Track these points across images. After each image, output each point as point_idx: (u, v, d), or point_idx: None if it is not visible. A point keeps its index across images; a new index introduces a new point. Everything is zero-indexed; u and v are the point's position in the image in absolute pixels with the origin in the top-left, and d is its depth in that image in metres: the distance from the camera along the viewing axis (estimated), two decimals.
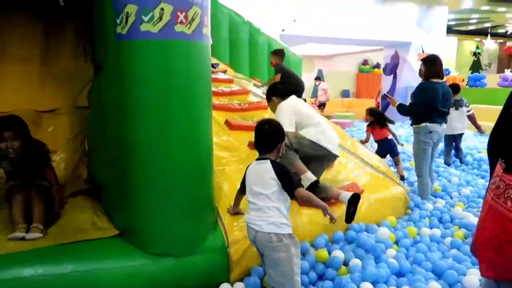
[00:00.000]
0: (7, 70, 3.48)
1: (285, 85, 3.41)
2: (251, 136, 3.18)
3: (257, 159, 1.85)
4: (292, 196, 1.80)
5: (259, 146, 1.87)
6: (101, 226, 2.13)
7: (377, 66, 16.56)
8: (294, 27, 9.92)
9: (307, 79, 10.28)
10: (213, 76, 2.83)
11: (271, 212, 1.71)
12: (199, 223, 1.98)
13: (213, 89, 2.32)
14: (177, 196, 1.88)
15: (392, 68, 12.05)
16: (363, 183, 3.10)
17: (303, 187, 1.88)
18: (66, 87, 3.58)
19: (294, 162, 2.59)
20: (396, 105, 3.68)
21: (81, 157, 3.30)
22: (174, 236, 1.92)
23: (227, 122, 3.24)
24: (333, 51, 15.35)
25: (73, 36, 4.00)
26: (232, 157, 2.86)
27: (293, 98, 2.88)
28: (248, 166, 1.88)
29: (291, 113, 2.72)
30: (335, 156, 2.83)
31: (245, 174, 1.89)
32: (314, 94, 13.52)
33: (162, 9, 1.70)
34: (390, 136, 4.70)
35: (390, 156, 4.64)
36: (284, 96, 2.84)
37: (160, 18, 1.70)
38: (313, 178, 2.54)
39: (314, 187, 2.48)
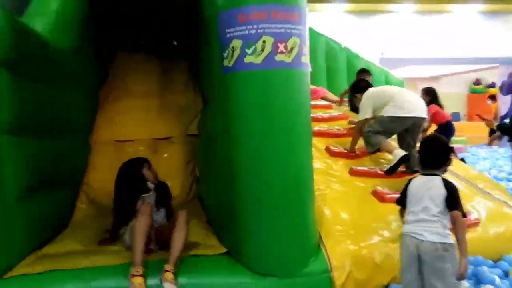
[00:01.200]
0: (130, 104, 3.99)
1: (363, 81, 3.71)
2: (351, 162, 3.21)
3: (424, 174, 1.87)
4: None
5: (426, 162, 1.90)
6: (210, 244, 2.29)
7: (492, 85, 15.04)
8: (395, 50, 9.64)
9: None
10: (313, 102, 2.94)
11: (436, 224, 1.74)
12: (301, 246, 2.03)
13: (312, 115, 2.39)
14: (280, 219, 1.96)
15: (510, 87, 10.84)
16: (481, 213, 2.84)
17: (464, 215, 1.84)
18: (179, 118, 3.97)
19: (381, 144, 3.02)
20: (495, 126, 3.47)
21: (192, 182, 3.58)
22: (277, 257, 1.99)
23: (327, 149, 3.28)
24: (438, 72, 14.44)
25: (184, 73, 4.48)
26: (332, 183, 2.86)
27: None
28: (410, 180, 1.91)
29: (370, 101, 3.18)
30: (422, 118, 3.16)
31: (406, 189, 1.90)
32: None
33: (264, 41, 1.84)
34: None
35: None
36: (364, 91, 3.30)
37: (262, 50, 1.85)
38: (402, 153, 2.92)
39: (406, 160, 2.90)
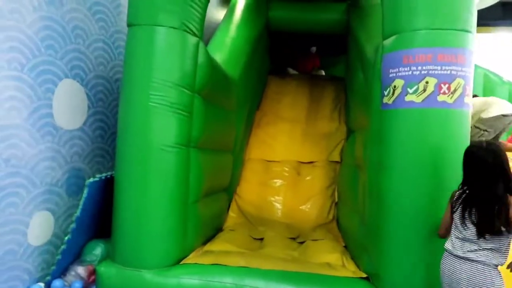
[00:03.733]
0: (280, 128, 4.38)
1: None
2: None
3: None
4: None
5: None
6: (349, 267, 2.40)
7: None
8: None
9: None
10: None
11: None
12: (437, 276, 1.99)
13: None
14: (423, 249, 1.98)
15: None
16: None
17: None
18: (323, 144, 4.20)
19: None
20: None
21: (331, 205, 3.74)
22: (415, 286, 2.00)
23: None
24: None
25: (331, 101, 4.71)
26: None
27: None
28: None
29: None
30: None
31: None
32: None
33: (427, 82, 1.93)
34: None
35: None
36: None
37: (424, 90, 1.93)
38: None
39: None
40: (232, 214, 3.68)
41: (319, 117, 4.52)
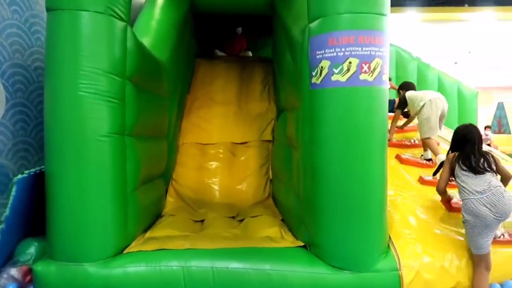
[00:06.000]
0: (213, 111, 4.42)
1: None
2: (420, 171, 3.35)
3: None
4: None
5: None
6: (288, 238, 2.57)
7: None
8: (470, 59, 9.30)
9: (484, 114, 9.35)
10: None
11: None
12: (373, 243, 2.24)
13: None
14: (355, 218, 2.19)
15: None
16: None
17: None
18: (255, 125, 4.32)
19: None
20: None
21: (266, 182, 3.91)
22: (351, 252, 2.21)
23: (397, 157, 3.45)
24: None
25: (260, 82, 4.83)
26: (401, 191, 3.02)
27: None
28: None
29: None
30: None
31: None
32: None
33: (350, 62, 2.09)
34: None
35: None
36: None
37: (348, 70, 2.10)
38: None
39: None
40: (170, 199, 3.68)
41: (249, 98, 4.63)
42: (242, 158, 4.11)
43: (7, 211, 2.23)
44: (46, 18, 2.25)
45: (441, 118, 3.57)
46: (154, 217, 3.14)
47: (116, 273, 2.19)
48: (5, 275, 2.33)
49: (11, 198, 2.23)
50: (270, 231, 2.74)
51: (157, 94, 3.14)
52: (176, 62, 3.81)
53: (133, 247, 2.41)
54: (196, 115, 4.35)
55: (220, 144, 4.17)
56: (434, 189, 2.93)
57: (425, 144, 3.53)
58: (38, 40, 2.93)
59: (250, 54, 6.07)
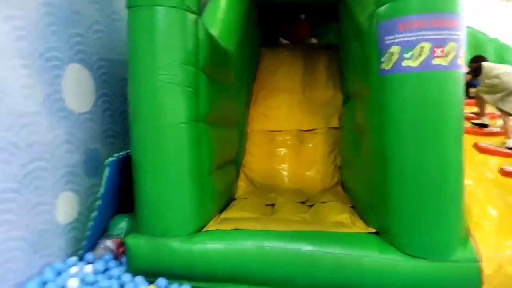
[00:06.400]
0: (279, 99, 4.51)
1: None
2: (499, 161, 3.17)
3: None
4: None
5: None
6: (358, 225, 2.61)
7: None
8: None
9: None
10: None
11: None
12: (449, 232, 2.20)
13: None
14: (430, 205, 2.17)
15: None
16: None
17: None
18: (321, 112, 4.35)
19: None
20: None
21: (334, 169, 3.95)
22: (425, 241, 2.20)
23: (475, 145, 3.30)
24: None
25: (325, 70, 4.82)
26: (480, 181, 2.90)
27: None
28: None
29: None
30: None
31: None
32: None
33: (422, 47, 2.07)
34: None
35: None
36: None
37: (420, 55, 2.07)
38: None
39: None
40: (242, 184, 3.87)
41: (314, 86, 4.65)
42: (310, 145, 4.18)
43: (101, 190, 2.52)
44: (126, 15, 2.45)
45: None
46: (227, 200, 3.33)
47: (197, 248, 2.38)
48: (101, 246, 2.65)
49: (104, 178, 2.51)
50: (340, 217, 2.78)
51: (226, 84, 3.30)
52: (242, 52, 3.94)
53: (211, 226, 2.61)
54: (263, 104, 4.47)
55: (287, 131, 4.27)
56: None
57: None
58: (118, 35, 3.20)
59: (315, 41, 6.04)
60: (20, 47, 2.25)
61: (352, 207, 3.11)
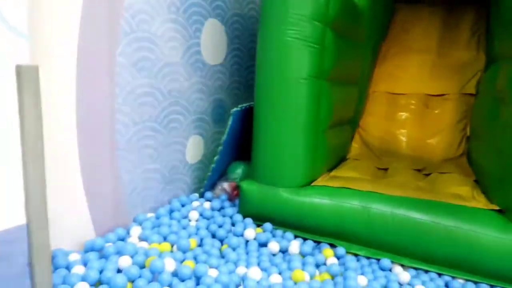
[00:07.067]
0: (408, 60, 4.18)
1: None
2: None
3: None
4: None
5: None
6: (479, 200, 2.39)
7: None
8: None
9: None
10: None
11: None
12: None
13: None
14: None
15: None
16: None
17: None
18: (456, 76, 3.93)
19: None
20: None
21: (462, 140, 3.60)
22: None
23: None
24: None
25: (469, 28, 4.26)
26: None
27: None
28: None
29: None
30: None
31: None
32: None
33: None
34: None
35: None
36: None
37: None
38: None
39: None
40: (355, 145, 3.81)
41: (453, 46, 4.16)
42: (437, 111, 3.85)
43: (224, 137, 2.76)
44: None
45: None
46: (339, 159, 3.34)
47: (304, 201, 2.49)
48: (219, 187, 2.95)
49: (228, 126, 2.74)
50: (460, 189, 2.57)
51: (353, 41, 3.19)
52: (374, 7, 3.72)
53: (320, 181, 2.68)
54: (391, 63, 4.21)
55: (412, 95, 3.99)
56: None
57: None
58: None
59: None
60: (169, 3, 2.50)
61: (476, 181, 2.83)
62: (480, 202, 2.36)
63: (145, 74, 2.40)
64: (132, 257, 1.93)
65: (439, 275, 2.21)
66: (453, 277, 2.17)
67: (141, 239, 2.21)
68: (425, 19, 4.50)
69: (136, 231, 2.26)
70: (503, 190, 2.26)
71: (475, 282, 2.13)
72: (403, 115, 3.89)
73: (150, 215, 2.51)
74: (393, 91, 4.06)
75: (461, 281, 2.14)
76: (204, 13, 2.81)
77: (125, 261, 1.87)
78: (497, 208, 2.25)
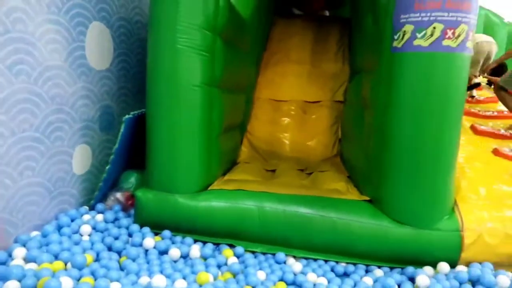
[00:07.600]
0: (287, 69, 4.56)
1: None
2: (495, 143, 3.29)
3: None
4: None
5: None
6: (353, 193, 2.76)
7: None
8: None
9: None
10: None
11: None
12: (437, 203, 2.36)
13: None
14: (421, 178, 2.32)
15: None
16: None
17: None
18: (328, 85, 4.42)
19: None
20: None
21: (335, 142, 4.07)
22: (414, 210, 2.37)
23: (472, 127, 3.42)
24: None
25: (335, 42, 4.84)
26: (473, 161, 3.04)
27: None
28: None
29: None
30: None
31: None
32: None
33: (434, 27, 2.13)
34: None
35: None
36: None
37: (431, 35, 2.14)
38: None
39: None
40: (245, 149, 4.00)
41: (324, 58, 4.67)
42: (314, 116, 4.28)
43: (117, 145, 2.65)
44: None
45: None
46: (231, 163, 3.48)
47: (202, 205, 2.54)
48: (112, 198, 2.81)
49: (120, 134, 2.64)
50: (337, 185, 2.93)
51: (240, 50, 3.36)
52: (257, 19, 3.97)
53: (215, 185, 2.76)
54: (272, 71, 4.52)
55: (292, 102, 4.36)
56: (507, 162, 2.93)
57: None
58: None
59: (327, 13, 6.03)
60: (48, 3, 2.30)
61: (349, 177, 3.25)
62: (354, 194, 2.73)
63: (23, 78, 2.17)
64: (19, 281, 1.73)
65: (326, 261, 2.49)
66: (337, 262, 2.47)
67: (28, 260, 2.00)
68: (299, 33, 4.95)
69: (19, 252, 2.03)
70: (370, 184, 2.65)
71: (354, 264, 2.46)
72: (285, 120, 4.23)
73: (35, 233, 2.27)
74: (275, 98, 4.38)
75: (343, 264, 2.45)
76: (88, 15, 2.66)
77: (12, 286, 1.67)
78: (367, 198, 2.63)
